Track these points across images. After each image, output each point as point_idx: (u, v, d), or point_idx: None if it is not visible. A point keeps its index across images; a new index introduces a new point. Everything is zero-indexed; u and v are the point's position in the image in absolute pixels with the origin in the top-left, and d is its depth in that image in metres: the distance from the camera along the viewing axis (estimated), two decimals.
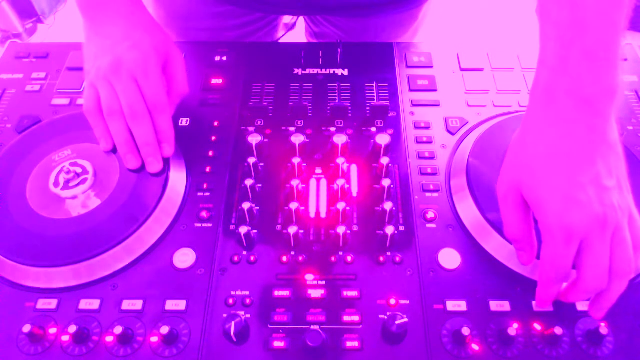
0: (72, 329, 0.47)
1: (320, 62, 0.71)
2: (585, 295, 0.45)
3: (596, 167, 0.43)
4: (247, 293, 0.51)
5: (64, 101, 0.67)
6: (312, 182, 0.59)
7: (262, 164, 0.60)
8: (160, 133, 0.57)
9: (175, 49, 0.61)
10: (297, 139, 0.60)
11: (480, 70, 0.70)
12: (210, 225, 0.55)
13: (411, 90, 0.68)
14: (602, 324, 0.47)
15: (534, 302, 0.50)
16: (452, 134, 0.63)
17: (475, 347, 0.47)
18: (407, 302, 0.50)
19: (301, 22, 1.02)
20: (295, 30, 1.01)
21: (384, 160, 0.58)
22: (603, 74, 0.43)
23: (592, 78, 0.43)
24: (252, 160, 0.58)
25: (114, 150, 0.58)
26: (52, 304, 0.50)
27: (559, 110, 0.44)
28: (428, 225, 0.55)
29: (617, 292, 0.44)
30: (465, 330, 0.46)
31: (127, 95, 0.55)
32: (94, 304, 0.50)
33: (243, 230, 0.52)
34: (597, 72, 0.43)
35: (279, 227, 0.55)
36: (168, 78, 0.60)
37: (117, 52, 0.56)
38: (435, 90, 0.68)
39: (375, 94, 0.68)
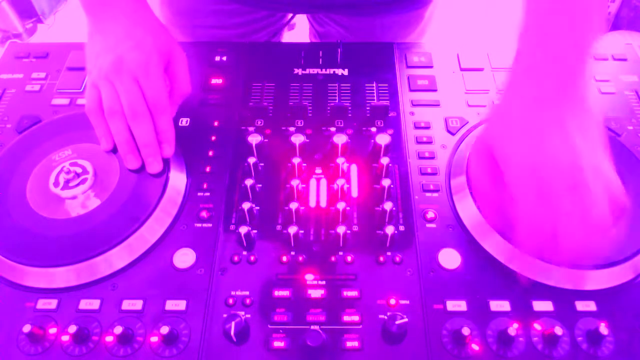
0: (72, 329, 0.47)
1: (320, 62, 0.71)
2: (565, 252, 0.44)
3: (566, 128, 0.43)
4: (247, 293, 0.51)
5: (64, 101, 0.67)
6: (312, 182, 0.59)
7: (262, 164, 0.60)
8: (161, 133, 0.57)
9: (178, 48, 0.61)
10: (297, 139, 0.60)
11: (480, 70, 0.70)
12: (210, 225, 0.55)
13: (411, 90, 0.68)
14: (602, 324, 0.47)
15: (534, 302, 0.50)
16: (452, 134, 0.63)
17: (475, 347, 0.47)
18: (407, 302, 0.50)
19: (304, 23, 1.02)
20: (298, 31, 1.01)
21: (384, 160, 0.58)
22: (577, 33, 0.45)
23: (566, 36, 0.45)
24: (252, 160, 0.58)
25: (114, 150, 0.58)
26: (52, 304, 0.50)
27: (532, 71, 0.46)
28: (428, 225, 0.55)
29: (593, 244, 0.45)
30: (465, 330, 0.46)
31: (127, 95, 0.55)
32: (94, 304, 0.50)
33: (243, 230, 0.52)
34: (571, 31, 0.45)
35: (279, 227, 0.55)
36: (170, 78, 0.60)
37: (119, 51, 0.56)
38: (435, 90, 0.68)
39: (375, 94, 0.68)
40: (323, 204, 0.57)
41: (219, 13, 0.84)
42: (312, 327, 0.48)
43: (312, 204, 0.57)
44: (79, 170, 0.57)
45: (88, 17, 0.60)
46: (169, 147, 0.58)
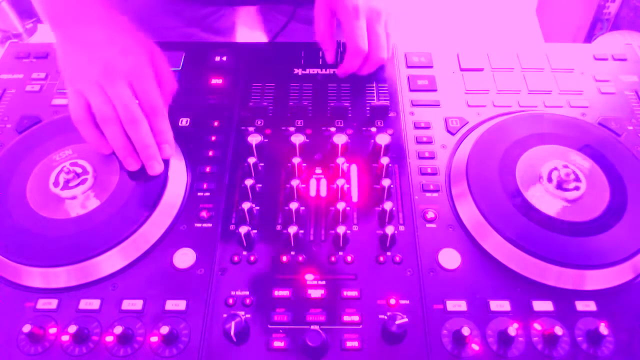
0: (72, 329, 0.47)
1: (320, 62, 0.71)
2: (355, 59, 0.63)
3: None
4: (247, 293, 0.51)
5: (64, 101, 0.67)
6: (312, 182, 0.59)
7: (262, 164, 0.60)
8: (159, 135, 0.57)
9: (157, 48, 0.61)
10: (297, 139, 0.60)
11: (480, 70, 0.70)
12: (210, 225, 0.55)
13: (411, 90, 0.68)
14: (602, 324, 0.47)
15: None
16: (452, 134, 0.63)
17: (475, 347, 0.47)
18: (407, 302, 0.50)
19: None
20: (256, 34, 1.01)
21: (384, 160, 0.58)
22: None
23: None
24: (252, 160, 0.58)
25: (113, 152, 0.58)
26: (52, 304, 0.50)
27: None
28: (428, 225, 0.55)
29: (374, 63, 0.65)
30: (465, 330, 0.46)
31: (122, 100, 0.54)
32: (94, 304, 0.50)
33: (243, 230, 0.52)
34: None
35: (279, 227, 0.55)
36: (157, 78, 0.59)
37: (107, 57, 0.55)
38: (435, 90, 0.68)
39: (375, 94, 0.68)
40: (323, 193, 0.57)
41: (173, 13, 0.83)
42: (312, 327, 0.48)
43: (313, 193, 0.57)
44: (79, 170, 0.57)
45: (57, 26, 0.59)
46: (168, 147, 0.58)
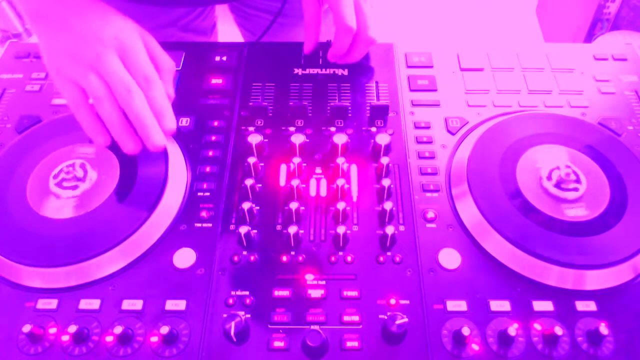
0: (72, 329, 0.47)
1: (320, 62, 0.71)
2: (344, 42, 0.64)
3: None
4: (247, 293, 0.51)
5: (64, 101, 0.67)
6: (312, 182, 0.59)
7: (262, 164, 0.60)
8: (156, 105, 0.55)
9: (144, 30, 0.60)
10: (297, 139, 0.60)
11: (480, 70, 0.70)
12: (210, 225, 0.55)
13: (411, 90, 0.68)
14: (602, 324, 0.47)
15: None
16: (452, 134, 0.63)
17: (475, 347, 0.47)
18: (407, 302, 0.50)
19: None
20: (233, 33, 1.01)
21: (384, 160, 0.58)
22: None
23: None
24: (252, 160, 0.58)
25: (112, 146, 0.57)
26: (52, 304, 0.50)
27: None
28: (428, 225, 0.55)
29: (364, 44, 0.66)
30: (465, 330, 0.46)
31: (114, 73, 0.53)
32: (94, 304, 0.50)
33: (243, 230, 0.52)
34: None
35: (279, 227, 0.55)
36: (152, 58, 0.58)
37: (96, 37, 0.54)
38: (435, 90, 0.68)
39: (375, 94, 0.68)
40: (323, 193, 0.57)
41: (146, 16, 0.81)
42: (312, 327, 0.48)
43: (313, 193, 0.57)
44: (79, 170, 0.57)
45: (39, 19, 0.58)
46: (168, 118, 0.56)
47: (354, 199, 0.57)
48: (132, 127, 0.55)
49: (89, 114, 0.56)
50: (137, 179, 0.57)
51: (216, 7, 0.97)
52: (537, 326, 0.48)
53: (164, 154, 0.58)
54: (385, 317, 0.48)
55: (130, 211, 0.55)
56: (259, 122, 0.65)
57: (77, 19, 0.56)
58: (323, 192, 0.58)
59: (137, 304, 0.50)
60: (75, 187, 0.56)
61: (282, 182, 0.59)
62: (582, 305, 0.50)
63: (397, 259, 0.53)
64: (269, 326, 0.49)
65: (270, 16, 0.87)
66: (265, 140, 0.62)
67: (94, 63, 0.54)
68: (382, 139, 0.59)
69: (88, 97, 0.55)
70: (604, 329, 0.46)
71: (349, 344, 0.47)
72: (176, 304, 0.50)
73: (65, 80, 0.55)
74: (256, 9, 0.92)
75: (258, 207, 0.57)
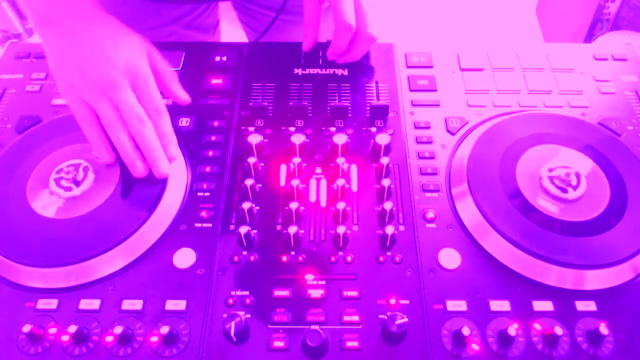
0: (72, 329, 0.47)
1: (320, 62, 0.71)
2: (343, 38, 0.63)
3: None
4: (247, 293, 0.51)
5: (64, 101, 0.67)
6: (312, 182, 0.59)
7: (262, 164, 0.60)
8: (164, 136, 0.57)
9: (151, 45, 0.60)
10: (297, 139, 0.60)
11: (480, 70, 0.70)
12: (210, 225, 0.55)
13: (411, 90, 0.68)
14: (602, 324, 0.47)
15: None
16: (452, 134, 0.63)
17: (475, 347, 0.47)
18: (407, 302, 0.50)
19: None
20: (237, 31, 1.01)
21: (384, 160, 0.58)
22: None
23: None
24: (252, 160, 0.58)
25: (113, 147, 0.57)
26: (52, 304, 0.50)
27: None
28: (428, 225, 0.55)
29: (364, 42, 0.65)
30: (465, 330, 0.46)
31: (128, 105, 0.55)
32: (94, 304, 0.50)
33: (243, 230, 0.52)
34: None
35: (279, 227, 0.55)
36: (156, 76, 0.59)
37: (108, 63, 0.55)
38: (435, 90, 0.68)
39: (375, 94, 0.68)
40: (323, 203, 0.57)
41: (152, 13, 0.83)
42: (312, 327, 0.48)
43: (312, 199, 0.57)
44: (79, 170, 0.57)
45: (46, 24, 0.57)
46: (174, 147, 0.58)
47: (354, 199, 0.57)
48: (140, 152, 0.56)
49: (97, 131, 0.57)
50: (137, 179, 0.57)
51: (220, 5, 0.98)
52: (537, 326, 0.48)
53: None
54: (385, 317, 0.48)
55: (130, 211, 0.55)
56: (259, 122, 0.65)
57: (86, 33, 0.57)
58: (323, 192, 0.58)
59: (137, 304, 0.50)
60: (76, 186, 0.56)
61: (282, 182, 0.59)
62: (582, 305, 0.50)
63: (397, 259, 0.53)
64: (269, 326, 0.49)
65: (273, 13, 0.87)
66: (265, 140, 0.62)
67: (108, 90, 0.55)
68: (382, 139, 0.59)
69: (97, 115, 0.56)
70: (604, 329, 0.46)
71: (349, 344, 0.47)
72: (176, 304, 0.50)
73: (76, 98, 0.56)
74: (259, 5, 0.92)
75: (258, 207, 0.57)
